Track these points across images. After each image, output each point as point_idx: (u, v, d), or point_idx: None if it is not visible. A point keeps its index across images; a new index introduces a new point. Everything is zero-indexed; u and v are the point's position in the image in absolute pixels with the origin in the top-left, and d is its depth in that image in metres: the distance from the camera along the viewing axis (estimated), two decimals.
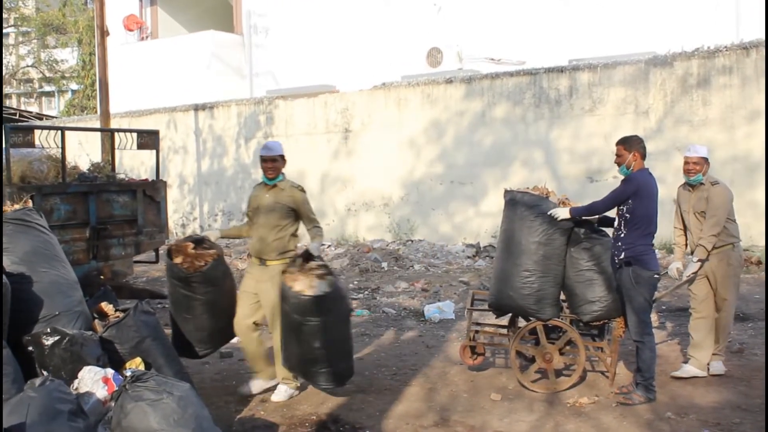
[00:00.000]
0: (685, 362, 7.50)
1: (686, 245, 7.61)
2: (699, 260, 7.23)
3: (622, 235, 6.71)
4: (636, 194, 6.64)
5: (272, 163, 7.08)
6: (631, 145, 6.79)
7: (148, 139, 10.97)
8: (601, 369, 7.54)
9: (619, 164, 6.85)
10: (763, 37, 15.13)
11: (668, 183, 13.49)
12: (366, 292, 12.62)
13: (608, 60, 16.44)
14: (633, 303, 6.66)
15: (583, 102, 16.28)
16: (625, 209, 6.72)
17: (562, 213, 6.87)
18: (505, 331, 7.87)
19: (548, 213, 6.89)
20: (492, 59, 20.70)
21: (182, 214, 22.50)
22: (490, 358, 8.19)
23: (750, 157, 14.67)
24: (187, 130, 22.38)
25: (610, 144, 15.54)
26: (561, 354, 7.19)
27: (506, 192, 7.36)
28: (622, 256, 6.68)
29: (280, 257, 7.03)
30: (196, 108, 22.22)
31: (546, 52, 19.30)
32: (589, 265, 6.99)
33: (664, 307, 10.47)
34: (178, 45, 26.13)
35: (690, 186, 7.45)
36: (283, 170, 7.21)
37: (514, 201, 7.17)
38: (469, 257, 15.73)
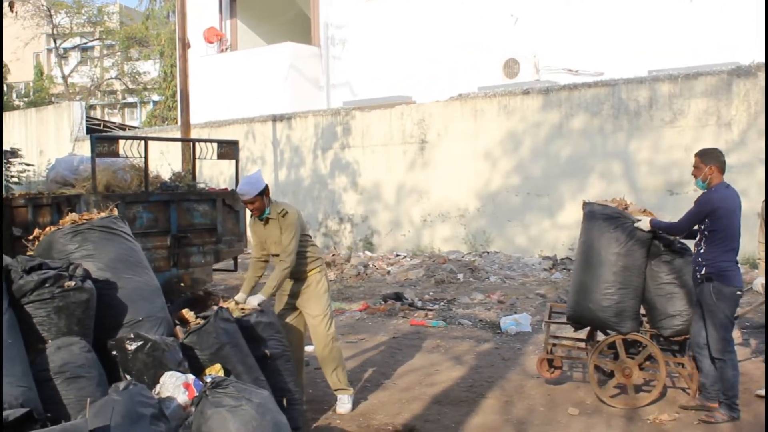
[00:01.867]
0: None
1: None
2: None
3: (702, 251, 6.56)
4: (713, 212, 6.47)
5: (251, 205, 6.97)
6: (708, 158, 6.65)
7: (228, 149, 11.14)
8: (682, 385, 7.38)
9: (695, 176, 6.71)
10: None
11: (751, 196, 13.17)
12: (442, 303, 12.58)
13: (689, 71, 16.14)
14: (714, 319, 6.50)
15: (663, 113, 16.01)
16: (704, 225, 6.56)
17: (644, 224, 6.77)
18: (583, 344, 7.76)
19: (633, 222, 6.83)
20: (569, 70, 20.51)
21: None
22: (568, 372, 8.09)
23: None
24: (265, 141, 22.68)
25: (690, 156, 15.17)
26: (641, 369, 7.06)
27: (585, 204, 7.30)
28: (704, 272, 6.52)
29: (313, 268, 7.18)
30: (274, 119, 22.50)
31: (625, 63, 19.03)
32: (670, 278, 6.87)
33: (747, 324, 10.20)
34: (256, 56, 26.49)
35: None
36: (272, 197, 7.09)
37: (593, 213, 7.10)
38: (545, 270, 15.57)
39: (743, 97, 15.20)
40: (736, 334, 9.58)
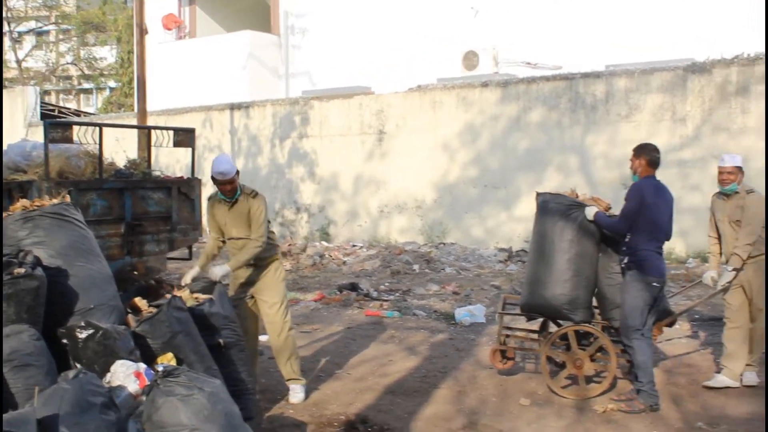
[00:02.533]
0: (718, 372, 7.43)
1: (721, 254, 7.55)
2: (734, 269, 7.17)
3: (627, 240, 6.76)
4: (639, 203, 6.65)
5: (230, 184, 7.03)
6: (641, 152, 6.89)
7: (184, 137, 11.04)
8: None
9: (631, 169, 6.95)
10: None
11: (705, 191, 13.40)
12: (397, 294, 12.63)
13: (646, 66, 16.34)
14: (625, 306, 6.70)
15: (620, 108, 16.19)
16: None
17: (590, 212, 6.94)
18: (536, 336, 7.84)
19: (584, 208, 6.99)
20: (528, 63, 20.64)
21: None
22: (520, 363, 8.18)
23: None
24: (222, 129, 22.55)
25: (659, 151, 15.44)
26: (592, 360, 7.15)
27: (538, 194, 7.39)
28: (626, 261, 6.75)
29: (272, 255, 7.18)
30: (232, 107, 22.38)
31: (583, 57, 19.19)
32: (620, 269, 6.97)
33: (697, 317, 10.38)
34: (215, 44, 26.31)
35: (725, 195, 7.40)
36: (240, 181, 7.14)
37: (546, 203, 7.21)
38: (501, 261, 15.69)
39: (698, 93, 15.42)
40: (687, 327, 9.76)
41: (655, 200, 6.70)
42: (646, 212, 6.65)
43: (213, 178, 7.07)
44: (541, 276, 7.02)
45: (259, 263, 7.13)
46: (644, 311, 6.67)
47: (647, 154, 6.86)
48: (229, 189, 7.02)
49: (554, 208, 7.11)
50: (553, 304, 7.00)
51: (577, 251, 6.94)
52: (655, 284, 6.67)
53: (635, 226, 6.67)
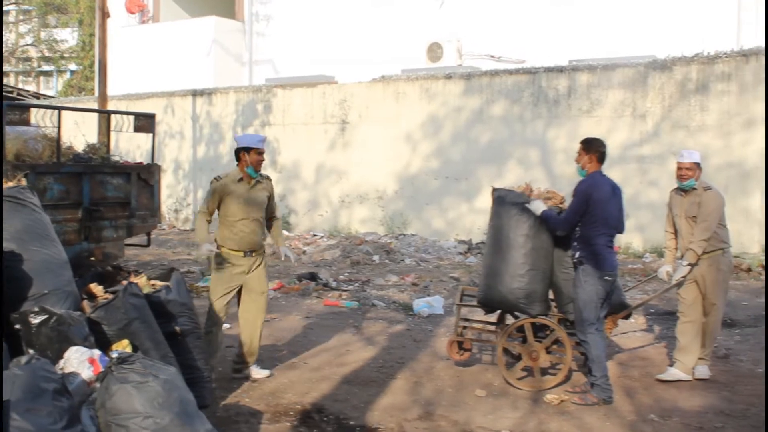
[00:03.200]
0: (671, 365, 7.52)
1: (677, 249, 7.63)
2: (688, 264, 7.26)
3: (577, 236, 6.81)
4: (587, 199, 6.69)
5: (261, 156, 7.21)
6: (589, 146, 6.92)
7: (145, 123, 10.92)
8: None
9: (578, 163, 6.99)
10: (762, 45, 15.17)
11: (663, 187, 13.56)
12: (356, 284, 12.64)
13: (608, 62, 16.49)
14: (578, 301, 6.76)
15: (581, 103, 16.31)
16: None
17: (535, 207, 6.98)
18: (493, 328, 7.89)
19: (526, 205, 7.03)
20: (492, 56, 20.73)
21: (176, 199, 22.49)
22: (477, 355, 8.23)
23: (744, 164, 14.72)
24: (184, 116, 22.37)
25: (606, 146, 15.58)
26: (548, 352, 7.21)
27: (494, 190, 7.44)
28: (577, 256, 6.80)
29: (262, 248, 7.32)
30: (195, 93, 22.20)
31: (546, 52, 19.32)
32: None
33: (652, 311, 10.51)
34: (179, 30, 26.09)
35: (682, 191, 7.48)
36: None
37: (501, 198, 7.25)
38: (460, 253, 15.76)
39: (658, 89, 15.58)
40: (642, 321, 9.88)
41: (602, 196, 6.74)
42: (594, 208, 6.69)
43: (247, 148, 7.18)
44: (498, 271, 7.06)
45: (258, 248, 7.22)
46: (597, 305, 6.73)
47: (596, 150, 6.90)
48: (261, 161, 7.19)
49: (510, 204, 7.15)
50: (509, 298, 7.04)
51: (533, 246, 6.99)
52: (607, 278, 6.71)
53: (585, 222, 6.72)
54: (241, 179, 7.20)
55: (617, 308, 7.27)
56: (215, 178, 7.32)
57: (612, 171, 15.50)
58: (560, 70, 16.78)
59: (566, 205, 7.26)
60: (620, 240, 15.64)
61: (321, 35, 24.00)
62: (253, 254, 7.21)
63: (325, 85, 20.01)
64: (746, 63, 14.84)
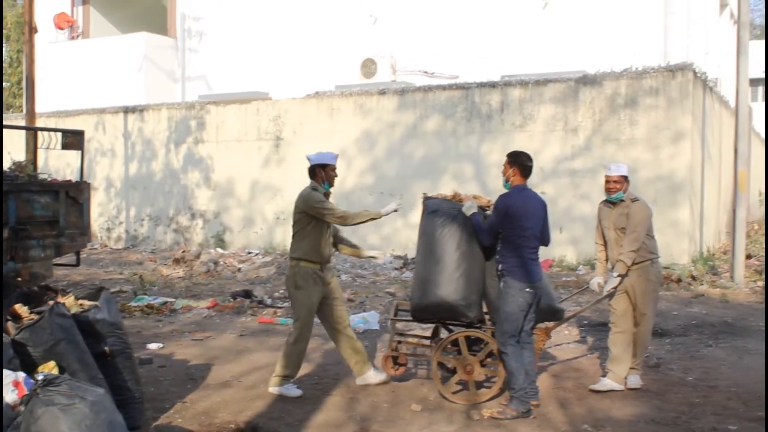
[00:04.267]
0: (604, 376, 7.62)
1: (607, 260, 7.74)
2: (619, 275, 7.36)
3: (500, 249, 6.85)
4: (504, 213, 6.74)
5: (334, 171, 7.69)
6: (514, 160, 6.96)
7: (73, 140, 10.73)
8: None
9: (504, 175, 7.04)
10: (687, 60, 15.57)
11: (595, 200, 13.70)
12: None
13: (539, 77, 16.72)
14: (500, 312, 6.78)
15: (514, 117, 16.51)
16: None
17: (467, 209, 7.04)
18: (427, 342, 7.91)
19: (462, 209, 7.10)
20: (425, 72, 20.89)
21: (108, 218, 22.15)
22: (412, 369, 8.23)
23: (673, 176, 15.04)
24: (115, 133, 22.06)
25: (539, 161, 15.75)
26: (482, 366, 7.24)
27: (425, 198, 7.47)
28: (499, 268, 6.83)
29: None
30: (126, 110, 21.92)
31: (479, 67, 19.55)
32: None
33: (585, 322, 10.64)
34: (109, 45, 25.78)
35: (611, 203, 7.60)
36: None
37: (433, 206, 7.28)
38: (396, 269, 15.79)
39: (589, 104, 15.84)
40: (575, 332, 10.00)
41: (521, 209, 6.74)
42: (513, 221, 6.71)
43: (323, 165, 7.60)
44: (433, 276, 7.03)
45: (330, 260, 7.63)
46: (519, 317, 6.74)
47: (520, 163, 6.92)
48: (335, 176, 7.67)
49: (441, 211, 7.18)
50: (447, 301, 6.99)
51: (465, 251, 7.02)
52: (528, 290, 6.72)
53: (506, 235, 6.76)
54: (325, 193, 7.57)
55: (547, 314, 7.31)
56: (315, 188, 7.54)
57: (545, 185, 15.85)
58: (493, 85, 16.97)
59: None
60: (554, 253, 15.86)
61: (254, 51, 23.93)
62: (327, 267, 7.58)
63: (259, 102, 19.94)
64: (673, 78, 15.19)
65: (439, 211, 7.21)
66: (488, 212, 7.23)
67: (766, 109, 14.48)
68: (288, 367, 7.41)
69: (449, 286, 6.99)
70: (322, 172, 7.56)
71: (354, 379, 7.84)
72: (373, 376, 7.64)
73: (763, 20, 59.88)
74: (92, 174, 21.83)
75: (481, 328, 7.26)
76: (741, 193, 14.19)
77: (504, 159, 7.14)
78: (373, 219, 7.49)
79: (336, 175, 7.68)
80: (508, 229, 6.73)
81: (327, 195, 7.53)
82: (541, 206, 6.95)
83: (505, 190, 6.98)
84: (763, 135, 31.23)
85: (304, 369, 8.29)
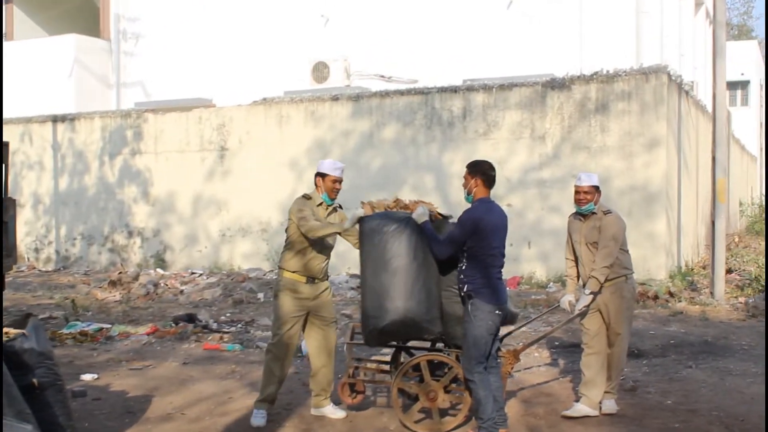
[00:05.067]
0: (577, 401, 7.67)
1: (578, 277, 7.79)
2: (591, 293, 7.41)
3: (464, 268, 6.75)
4: (474, 229, 6.64)
5: (340, 185, 7.72)
6: (475, 170, 6.88)
7: None
8: None
9: (465, 188, 6.97)
10: (661, 62, 15.80)
11: (564, 212, 13.87)
12: (239, 325, 12.51)
13: (504, 81, 16.84)
14: (468, 338, 6.67)
15: (477, 125, 16.62)
16: (466, 242, 6.74)
17: (419, 217, 6.97)
18: (387, 367, 7.89)
19: (413, 216, 7.03)
20: (382, 76, 20.96)
21: (36, 237, 21.87)
22: (371, 397, 8.21)
23: (648, 186, 15.22)
24: (43, 144, 21.82)
25: (504, 170, 15.93)
26: (446, 392, 7.23)
27: (362, 203, 7.42)
28: (465, 290, 6.71)
29: (326, 277, 7.81)
30: (55, 119, 21.70)
31: (439, 71, 19.66)
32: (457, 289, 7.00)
33: (557, 343, 10.71)
34: (35, 48, 25.50)
35: (581, 215, 7.66)
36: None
37: (375, 216, 7.19)
38: (352, 288, 15.77)
39: (557, 110, 16.00)
40: (546, 354, 10.06)
41: (492, 224, 6.71)
42: (482, 239, 6.64)
43: (322, 174, 7.67)
44: (391, 291, 6.93)
45: (321, 276, 7.61)
46: (488, 342, 6.69)
47: (482, 173, 6.86)
48: (337, 190, 7.70)
49: (387, 219, 7.10)
50: (410, 317, 6.89)
51: (422, 261, 6.95)
52: (497, 312, 6.68)
53: (473, 253, 6.67)
54: (320, 204, 7.63)
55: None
56: (305, 196, 7.70)
57: (512, 197, 15.98)
58: (454, 90, 17.08)
59: (439, 212, 7.29)
60: (522, 269, 15.97)
61: (196, 55, 23.84)
62: (316, 281, 7.54)
63: (202, 109, 19.85)
64: (646, 81, 15.40)
65: (387, 220, 7.09)
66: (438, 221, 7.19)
67: (766, 116, 14.67)
68: (263, 388, 7.48)
69: (411, 300, 6.89)
70: (321, 182, 7.66)
71: (308, 409, 7.81)
72: (331, 411, 7.62)
73: (740, 20, 61.06)
74: (18, 189, 21.56)
75: (444, 351, 7.26)
76: (720, 204, 14.39)
77: (457, 168, 7.13)
78: (337, 233, 7.39)
79: (337, 188, 7.68)
80: (476, 247, 6.65)
81: (327, 207, 7.64)
82: (506, 221, 6.92)
83: (467, 204, 6.94)
84: (742, 141, 31.77)
85: (253, 398, 8.24)
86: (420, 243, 6.98)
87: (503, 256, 6.84)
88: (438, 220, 7.24)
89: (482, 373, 6.67)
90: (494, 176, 6.93)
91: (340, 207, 7.82)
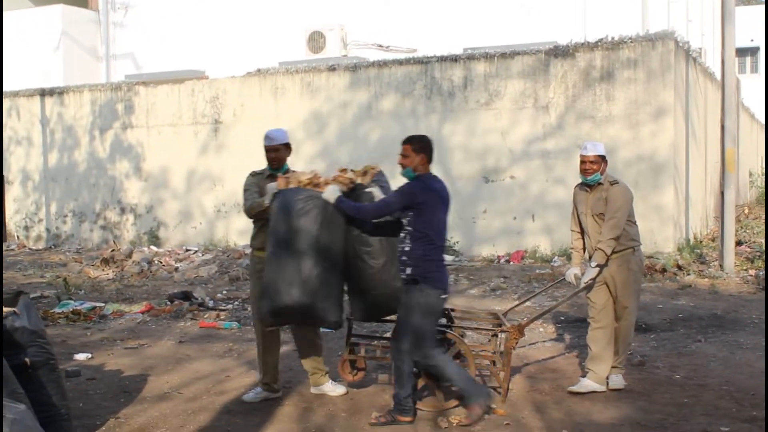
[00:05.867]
0: (583, 376, 7.69)
1: (584, 250, 7.80)
2: (597, 265, 7.40)
3: (408, 249, 6.62)
4: (418, 205, 6.54)
5: (275, 152, 7.66)
6: (419, 146, 6.75)
7: None
8: (493, 384, 7.66)
9: (403, 165, 6.78)
10: (668, 28, 15.73)
11: (568, 184, 13.89)
12: (236, 303, 12.53)
13: (506, 49, 16.78)
14: (413, 323, 6.62)
15: (479, 95, 16.57)
16: (407, 221, 6.64)
17: (329, 194, 6.86)
18: (388, 343, 7.90)
19: (321, 196, 6.91)
20: (380, 46, 20.91)
21: (26, 215, 21.86)
22: (372, 374, 8.23)
23: (655, 156, 15.20)
24: (31, 119, 21.78)
25: (507, 141, 15.94)
26: None
27: (278, 177, 7.35)
28: (409, 272, 6.61)
29: None
30: (43, 93, 21.64)
31: (439, 40, 19.61)
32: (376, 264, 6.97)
33: (562, 318, 10.74)
34: (21, 20, 25.41)
35: (587, 186, 7.64)
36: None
37: (283, 194, 7.10)
38: None
39: (561, 78, 15.96)
40: (551, 329, 10.09)
41: (438, 201, 6.62)
42: (425, 216, 6.54)
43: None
44: (288, 275, 6.84)
45: None
46: (434, 326, 6.70)
47: (427, 149, 6.76)
48: (272, 159, 7.63)
49: (294, 197, 7.00)
50: (301, 302, 6.82)
51: (322, 248, 6.87)
52: (443, 297, 6.64)
53: (417, 234, 6.55)
54: (268, 176, 7.60)
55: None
56: (252, 173, 7.80)
57: (515, 168, 15.99)
58: (455, 59, 17.01)
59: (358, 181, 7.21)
60: (526, 243, 16.00)
61: (188, 25, 23.76)
62: None
63: (194, 81, 19.80)
64: (653, 48, 15.35)
65: (295, 199, 6.97)
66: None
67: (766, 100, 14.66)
68: (260, 370, 7.58)
69: (305, 287, 6.81)
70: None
71: (308, 386, 7.84)
72: (330, 388, 7.66)
73: None
74: (6, 166, 21.54)
75: (450, 328, 7.28)
76: (729, 174, 14.39)
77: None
78: (261, 208, 7.27)
79: (273, 157, 7.63)
80: (419, 225, 6.54)
81: (275, 178, 7.39)
82: (450, 200, 6.84)
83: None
84: (752, 110, 31.71)
85: (252, 377, 8.29)
86: (324, 227, 6.87)
87: (445, 237, 6.82)
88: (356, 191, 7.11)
89: (440, 355, 6.66)
90: (433, 150, 6.84)
91: (292, 172, 7.60)
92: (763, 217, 21.80)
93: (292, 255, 6.84)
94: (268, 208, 7.18)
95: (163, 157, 19.78)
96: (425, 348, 6.63)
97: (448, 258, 15.92)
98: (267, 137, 7.68)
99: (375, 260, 6.87)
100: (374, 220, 6.76)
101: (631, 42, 15.57)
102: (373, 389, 7.85)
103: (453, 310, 7.43)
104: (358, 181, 7.23)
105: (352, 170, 7.41)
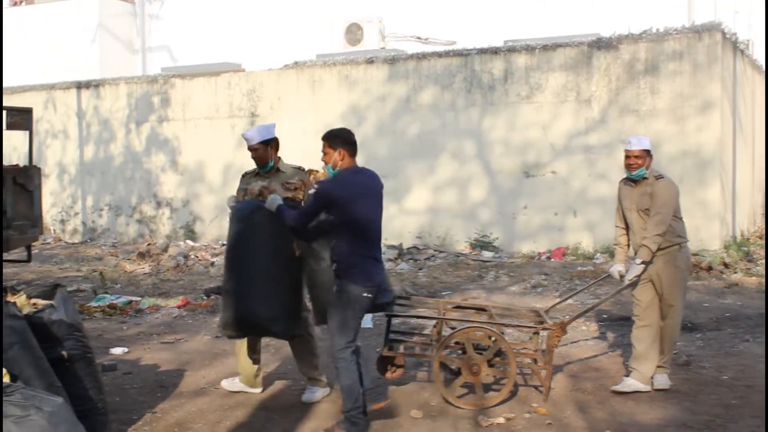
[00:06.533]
0: (627, 375, 7.62)
1: (629, 246, 7.74)
2: (642, 262, 7.34)
3: (333, 245, 6.57)
4: (332, 203, 6.42)
5: (254, 152, 7.51)
6: (337, 141, 6.57)
7: (19, 119, 10.68)
8: (535, 383, 7.63)
9: (326, 163, 6.65)
10: (714, 20, 15.56)
11: (613, 180, 13.74)
12: None
13: (547, 42, 16.69)
14: (333, 319, 6.52)
15: (519, 88, 16.49)
16: (332, 218, 6.54)
17: (272, 203, 6.78)
18: (427, 340, 7.89)
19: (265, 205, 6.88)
20: (419, 38, 20.88)
21: (62, 208, 22.08)
22: (411, 371, 8.23)
23: (701, 152, 15.05)
24: (68, 111, 21.97)
25: (549, 135, 15.85)
26: (490, 366, 7.22)
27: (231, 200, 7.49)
28: (334, 267, 6.55)
29: None
30: (79, 86, 21.82)
31: (479, 32, 19.53)
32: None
33: (605, 316, 10.67)
34: (58, 12, 25.65)
35: (632, 181, 7.57)
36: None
37: (239, 206, 7.25)
38: (390, 260, 15.77)
39: (604, 71, 15.83)
40: (594, 327, 10.02)
41: (350, 196, 6.43)
42: (346, 212, 6.42)
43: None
44: (236, 286, 6.98)
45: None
46: (356, 325, 6.54)
47: (346, 143, 6.58)
48: (256, 158, 7.54)
49: (241, 216, 7.14)
50: (245, 315, 6.94)
51: (268, 259, 6.95)
52: (365, 294, 6.46)
53: (337, 229, 6.48)
54: (257, 174, 7.65)
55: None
56: (244, 174, 7.79)
57: (556, 163, 15.88)
58: (495, 51, 16.93)
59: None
60: (568, 240, 15.89)
61: (224, 17, 23.84)
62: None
63: (231, 74, 19.88)
64: (699, 40, 15.19)
65: (242, 212, 7.13)
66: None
67: (766, 97, 14.52)
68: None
69: (252, 300, 6.89)
70: None
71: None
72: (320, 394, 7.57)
73: None
74: (42, 158, 21.75)
75: (297, 334, 7.24)
76: None
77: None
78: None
79: (254, 157, 7.55)
80: (345, 220, 6.43)
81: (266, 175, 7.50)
82: (377, 189, 6.76)
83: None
84: None
85: (289, 373, 8.31)
86: (271, 239, 6.93)
87: (377, 231, 6.72)
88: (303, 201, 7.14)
89: (347, 360, 6.45)
90: (356, 143, 6.67)
91: (278, 170, 7.62)
92: None
93: (239, 266, 7.00)
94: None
95: (199, 150, 19.87)
96: (337, 345, 6.46)
97: (487, 254, 15.91)
98: (244, 137, 7.63)
99: (317, 262, 7.04)
100: (311, 223, 6.62)
101: (677, 34, 15.41)
102: (413, 387, 7.84)
103: (485, 308, 7.38)
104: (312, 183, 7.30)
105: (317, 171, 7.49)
